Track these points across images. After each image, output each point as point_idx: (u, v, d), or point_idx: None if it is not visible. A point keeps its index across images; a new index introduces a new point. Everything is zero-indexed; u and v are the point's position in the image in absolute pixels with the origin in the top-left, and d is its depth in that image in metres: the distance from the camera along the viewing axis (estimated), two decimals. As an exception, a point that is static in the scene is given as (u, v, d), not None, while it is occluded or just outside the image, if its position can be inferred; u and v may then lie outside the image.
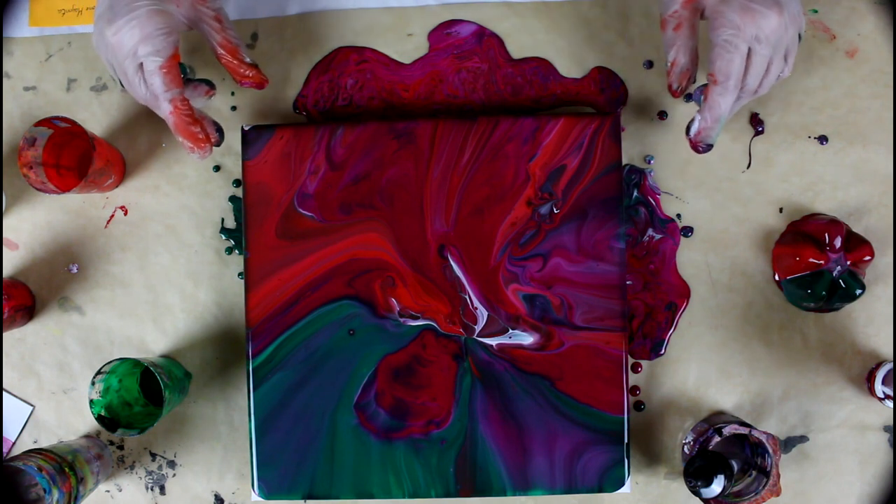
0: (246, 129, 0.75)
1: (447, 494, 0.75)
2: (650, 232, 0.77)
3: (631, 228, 0.77)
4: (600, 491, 0.74)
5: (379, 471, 0.75)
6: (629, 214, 0.77)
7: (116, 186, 0.79)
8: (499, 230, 0.75)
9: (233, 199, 0.79)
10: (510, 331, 0.75)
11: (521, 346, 0.75)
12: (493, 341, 0.75)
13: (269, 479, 0.75)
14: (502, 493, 0.74)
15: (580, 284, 0.74)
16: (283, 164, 0.75)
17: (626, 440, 0.74)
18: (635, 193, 0.77)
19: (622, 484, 0.74)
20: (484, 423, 0.74)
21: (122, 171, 0.78)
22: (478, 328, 0.75)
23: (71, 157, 0.78)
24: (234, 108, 0.79)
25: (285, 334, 0.75)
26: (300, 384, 0.75)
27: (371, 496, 0.75)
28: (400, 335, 0.75)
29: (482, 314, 0.75)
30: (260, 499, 0.75)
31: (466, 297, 0.75)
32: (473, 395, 0.75)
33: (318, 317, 0.75)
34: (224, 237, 0.79)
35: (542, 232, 0.75)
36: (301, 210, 0.75)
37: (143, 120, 0.79)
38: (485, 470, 0.74)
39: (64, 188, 0.74)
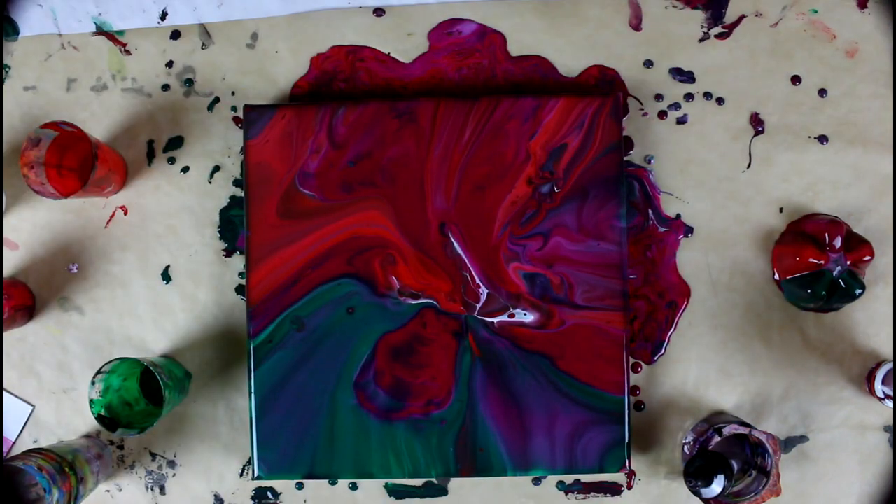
0: (247, 107, 0.75)
1: (447, 474, 0.75)
2: (651, 215, 0.77)
3: (637, 218, 0.77)
4: (601, 471, 0.74)
5: (379, 451, 0.74)
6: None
7: (115, 193, 0.79)
8: (499, 208, 0.75)
9: (233, 198, 0.79)
10: (511, 309, 0.75)
11: (521, 325, 0.75)
12: (493, 319, 0.75)
13: (270, 458, 0.74)
14: (503, 472, 0.74)
15: (581, 263, 0.74)
16: (285, 143, 0.75)
17: (626, 420, 0.74)
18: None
19: (622, 463, 0.74)
20: (484, 403, 0.74)
21: (122, 178, 0.78)
22: (478, 306, 0.75)
23: (73, 158, 0.78)
24: (233, 108, 0.79)
25: (285, 313, 0.75)
26: (300, 363, 0.75)
27: (371, 476, 0.75)
28: (400, 313, 0.75)
29: (483, 292, 0.75)
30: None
31: (467, 274, 0.75)
32: (473, 374, 0.74)
33: (318, 295, 0.75)
34: (220, 239, 0.79)
35: (542, 211, 0.75)
36: (302, 189, 0.75)
37: (143, 120, 0.80)
38: (485, 450, 0.74)
39: (63, 191, 0.74)
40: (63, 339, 0.79)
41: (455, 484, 0.78)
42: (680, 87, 0.78)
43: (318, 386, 0.75)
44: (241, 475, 0.78)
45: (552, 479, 0.78)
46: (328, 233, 0.75)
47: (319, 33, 0.79)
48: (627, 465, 0.74)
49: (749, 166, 0.78)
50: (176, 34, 0.80)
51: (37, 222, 0.80)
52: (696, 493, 0.68)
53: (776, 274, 0.77)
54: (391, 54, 0.79)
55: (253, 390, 0.75)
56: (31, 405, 0.79)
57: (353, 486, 0.78)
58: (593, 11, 0.79)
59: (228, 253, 0.79)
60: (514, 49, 0.79)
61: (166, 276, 0.79)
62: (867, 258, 0.74)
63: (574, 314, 0.74)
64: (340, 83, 0.79)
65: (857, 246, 0.74)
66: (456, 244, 0.75)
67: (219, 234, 0.79)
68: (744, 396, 0.77)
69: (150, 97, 0.80)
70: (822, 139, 0.78)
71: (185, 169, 0.79)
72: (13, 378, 0.79)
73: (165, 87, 0.80)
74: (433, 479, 0.78)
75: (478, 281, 0.75)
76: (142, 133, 0.80)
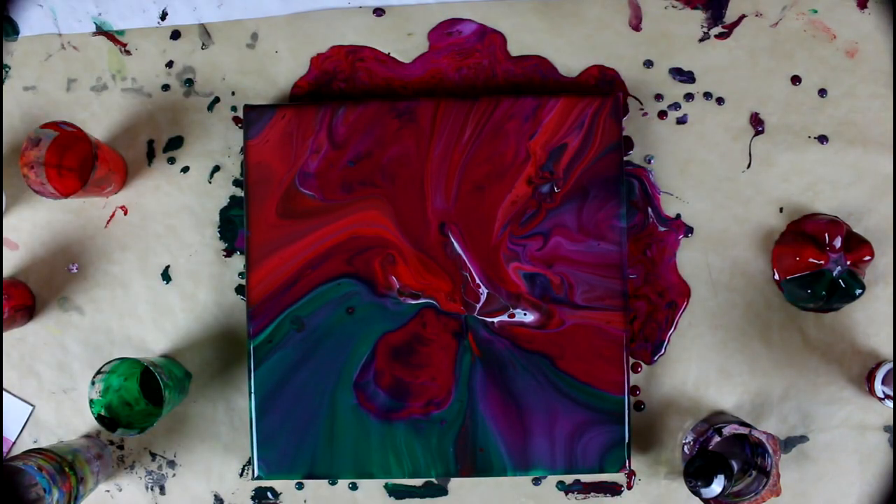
0: (247, 107, 0.75)
1: (447, 474, 0.75)
2: (651, 215, 0.77)
3: (637, 217, 0.77)
4: (601, 471, 0.74)
5: (379, 451, 0.74)
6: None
7: (115, 193, 0.79)
8: (499, 208, 0.75)
9: (233, 198, 0.79)
10: (511, 309, 0.75)
11: (521, 325, 0.75)
12: (493, 319, 0.75)
13: (270, 458, 0.75)
14: (503, 472, 0.74)
15: (581, 263, 0.74)
16: (285, 143, 0.75)
17: (626, 420, 0.74)
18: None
19: (622, 463, 0.74)
20: (484, 403, 0.74)
21: (122, 178, 0.78)
22: (478, 306, 0.75)
23: (73, 158, 0.78)
24: (233, 108, 0.79)
25: (285, 313, 0.75)
26: (300, 363, 0.75)
27: (371, 476, 0.75)
28: (400, 313, 0.75)
29: (483, 292, 0.75)
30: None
31: (467, 274, 0.75)
32: (473, 374, 0.74)
33: (318, 295, 0.75)
34: (220, 239, 0.79)
35: (542, 211, 0.75)
36: (302, 189, 0.75)
37: (143, 120, 0.80)
38: (485, 450, 0.74)
39: (63, 191, 0.74)
40: (63, 339, 0.79)
41: (455, 484, 0.78)
42: (680, 87, 0.78)
43: (317, 386, 0.75)
44: (241, 475, 0.78)
45: (552, 479, 0.78)
46: (328, 233, 0.75)
47: (319, 33, 0.80)
48: (627, 465, 0.74)
49: (749, 166, 0.78)
50: (176, 34, 0.80)
51: (37, 222, 0.80)
52: (696, 493, 0.68)
53: (776, 274, 0.77)
54: (391, 54, 0.79)
55: (253, 390, 0.75)
56: (31, 405, 0.79)
57: (353, 486, 0.78)
58: (593, 11, 0.79)
59: (228, 253, 0.79)
60: (514, 49, 0.79)
61: (166, 276, 0.79)
62: (867, 258, 0.74)
63: (574, 314, 0.74)
64: (340, 83, 0.79)
65: (857, 246, 0.74)
66: (456, 244, 0.75)
67: (219, 234, 0.79)
68: (744, 396, 0.77)
69: (150, 97, 0.80)
70: (822, 139, 0.78)
71: (185, 169, 0.79)
72: (13, 378, 0.79)
73: (165, 87, 0.80)
74: (433, 479, 0.78)
75: (478, 281, 0.75)
76: (142, 133, 0.80)
